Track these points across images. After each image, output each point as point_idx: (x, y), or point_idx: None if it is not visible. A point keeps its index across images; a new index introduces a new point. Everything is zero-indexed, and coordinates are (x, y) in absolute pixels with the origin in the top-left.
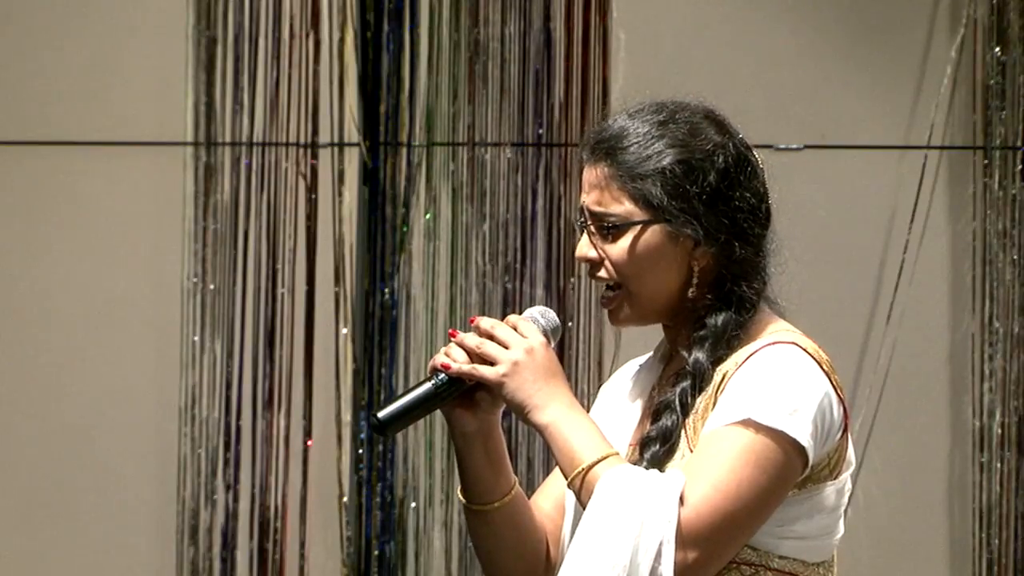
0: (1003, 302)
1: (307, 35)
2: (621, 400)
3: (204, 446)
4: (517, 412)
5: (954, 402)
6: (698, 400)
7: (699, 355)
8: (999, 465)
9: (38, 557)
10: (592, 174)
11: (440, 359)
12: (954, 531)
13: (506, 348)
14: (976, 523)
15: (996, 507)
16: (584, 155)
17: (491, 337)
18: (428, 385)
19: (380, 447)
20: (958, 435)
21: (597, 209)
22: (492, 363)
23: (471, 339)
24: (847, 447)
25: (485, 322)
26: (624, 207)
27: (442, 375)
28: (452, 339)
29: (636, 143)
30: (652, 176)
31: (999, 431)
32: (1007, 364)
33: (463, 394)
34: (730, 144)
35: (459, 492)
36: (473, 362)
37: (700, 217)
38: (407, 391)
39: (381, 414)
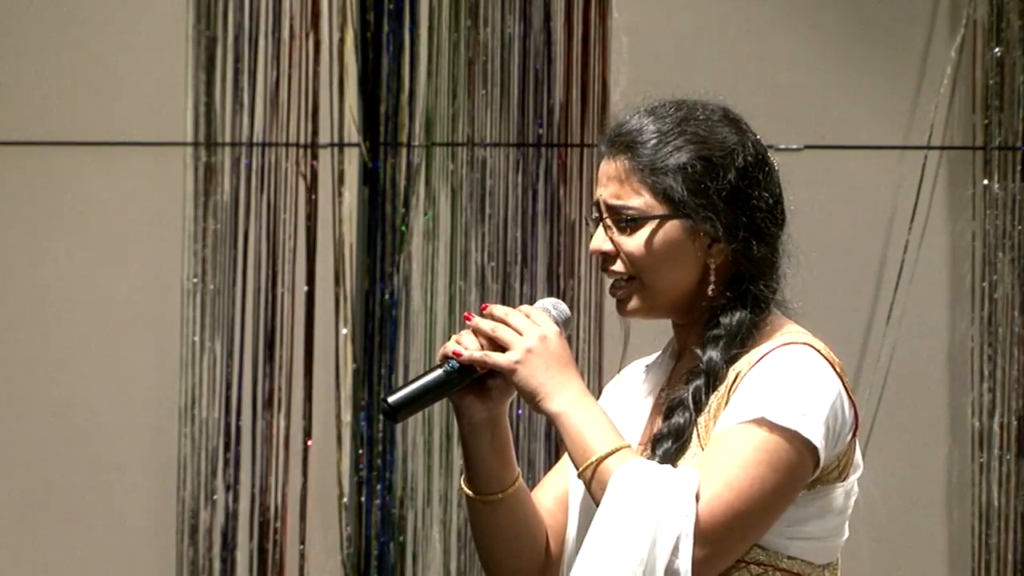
0: (1003, 302)
1: (307, 35)
2: (629, 399)
3: (204, 446)
4: (528, 400)
5: (954, 402)
6: (711, 399)
7: (713, 354)
8: (998, 465)
9: (38, 557)
10: (611, 167)
11: (451, 346)
12: (953, 531)
13: (519, 335)
14: (975, 523)
15: (995, 507)
16: (603, 148)
17: (505, 323)
18: (439, 372)
19: (380, 447)
20: (958, 435)
21: (615, 202)
22: (504, 349)
23: (485, 324)
24: (855, 449)
25: (499, 309)
26: (643, 200)
27: (453, 362)
28: (467, 322)
29: (656, 138)
30: (673, 171)
31: (998, 431)
32: (1007, 364)
33: (473, 382)
34: (749, 143)
35: (463, 481)
36: (485, 348)
37: (719, 214)
38: (418, 377)
39: (392, 399)
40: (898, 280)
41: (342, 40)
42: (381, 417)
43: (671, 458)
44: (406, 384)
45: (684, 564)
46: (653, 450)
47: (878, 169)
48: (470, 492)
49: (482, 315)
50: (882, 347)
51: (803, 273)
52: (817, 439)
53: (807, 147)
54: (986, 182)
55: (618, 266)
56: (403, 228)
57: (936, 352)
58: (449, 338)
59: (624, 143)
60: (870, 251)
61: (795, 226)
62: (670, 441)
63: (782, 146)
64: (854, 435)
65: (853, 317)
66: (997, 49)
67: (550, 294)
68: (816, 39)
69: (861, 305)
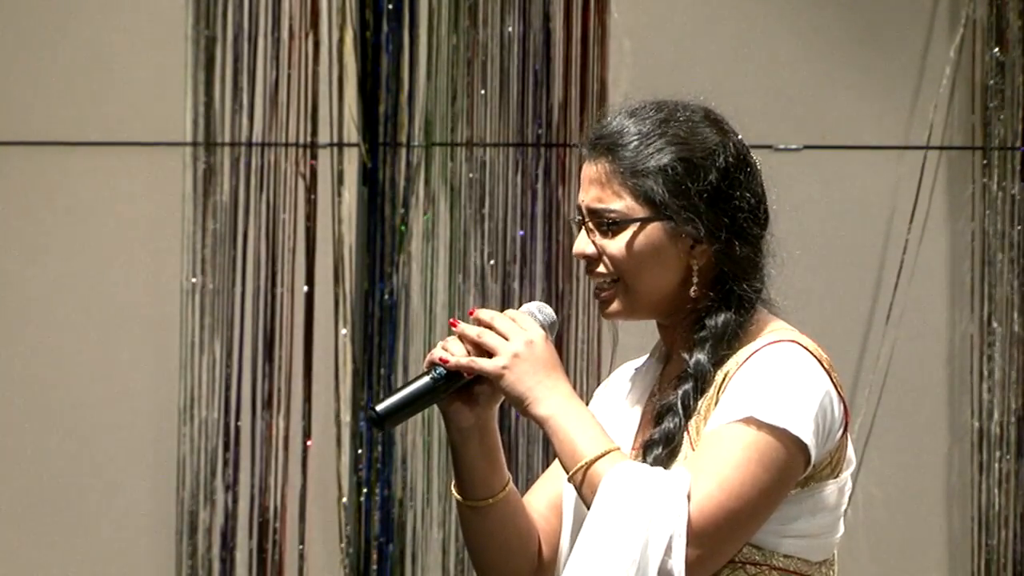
0: (1002, 302)
1: (306, 35)
2: (619, 404)
3: (203, 446)
4: (516, 405)
5: (953, 402)
6: (700, 402)
7: (700, 356)
8: (998, 465)
9: (38, 557)
10: (592, 170)
11: (438, 353)
12: (953, 531)
13: (506, 340)
14: (975, 523)
15: (994, 507)
16: (583, 151)
17: (491, 328)
18: (426, 379)
19: (379, 448)
20: (957, 435)
21: (597, 206)
22: (491, 354)
23: (471, 329)
24: (847, 445)
25: (485, 314)
26: (624, 203)
27: (440, 369)
28: (453, 329)
29: (637, 140)
30: (653, 173)
31: (998, 431)
32: (1006, 364)
33: (461, 388)
34: (730, 144)
35: (453, 487)
36: (472, 353)
37: (701, 215)
38: (405, 385)
39: (379, 407)
40: (898, 280)
41: (341, 40)
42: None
43: (662, 463)
44: (393, 392)
45: (677, 564)
46: (644, 456)
47: (878, 169)
48: (460, 498)
49: (468, 320)
50: (882, 347)
51: (803, 273)
52: (807, 436)
53: (807, 147)
54: (985, 182)
55: (600, 270)
56: (403, 228)
57: (936, 352)
58: (449, 332)
59: (605, 145)
60: (870, 251)
61: (795, 226)
62: (660, 447)
63: (782, 146)
64: (845, 431)
65: (853, 317)
66: (996, 49)
67: (549, 294)
68: (816, 39)
69: (861, 305)
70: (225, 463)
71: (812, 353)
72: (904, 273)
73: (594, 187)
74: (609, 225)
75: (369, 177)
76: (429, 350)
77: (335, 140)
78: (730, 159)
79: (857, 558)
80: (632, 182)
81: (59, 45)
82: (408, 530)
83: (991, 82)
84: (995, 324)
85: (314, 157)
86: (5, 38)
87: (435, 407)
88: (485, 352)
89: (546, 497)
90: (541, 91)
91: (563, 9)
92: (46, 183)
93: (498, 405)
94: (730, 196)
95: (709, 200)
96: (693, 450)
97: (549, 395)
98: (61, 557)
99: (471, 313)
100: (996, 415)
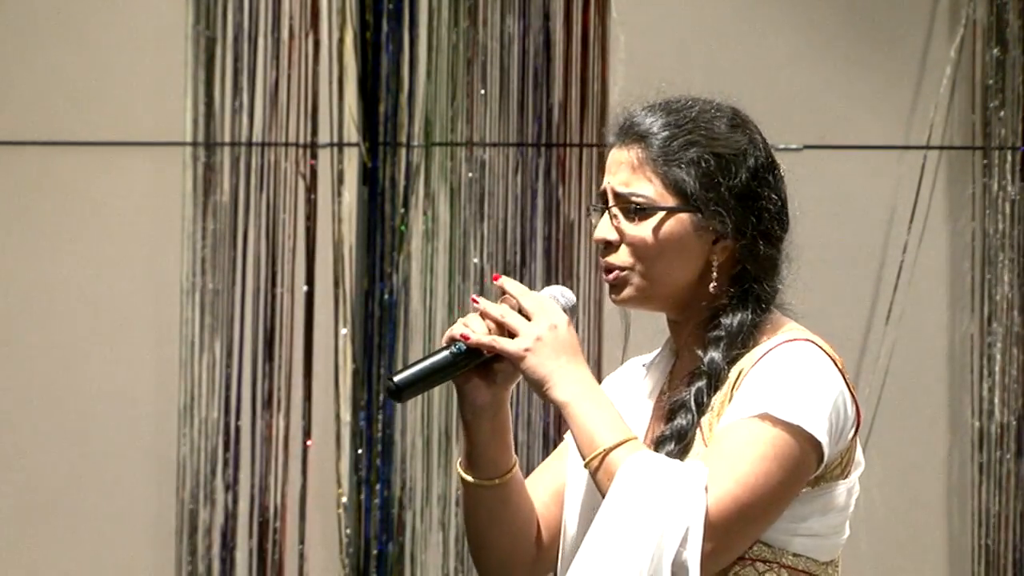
0: (1002, 302)
1: (307, 35)
2: (629, 399)
3: (203, 446)
4: (536, 387)
5: (953, 402)
6: (713, 399)
7: (715, 355)
8: (998, 465)
9: (38, 557)
10: (623, 155)
11: (459, 329)
12: (953, 531)
13: (528, 322)
14: (975, 523)
15: (995, 507)
16: (612, 138)
17: (515, 307)
18: (446, 353)
19: (379, 447)
20: (957, 435)
21: (624, 190)
22: (513, 334)
23: (494, 308)
24: (857, 446)
25: (510, 284)
26: (655, 189)
27: (460, 344)
28: (474, 305)
29: (671, 131)
30: (686, 164)
31: (998, 431)
32: (1006, 364)
33: (479, 365)
34: (759, 145)
35: (460, 466)
36: (494, 332)
37: (730, 211)
38: (424, 358)
39: (397, 378)
40: (898, 280)
41: (341, 40)
42: (380, 416)
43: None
44: (412, 364)
45: (692, 556)
46: (656, 452)
47: (878, 169)
48: (468, 477)
49: (494, 286)
50: (882, 347)
51: (803, 273)
52: (821, 434)
53: (807, 147)
54: (986, 182)
55: (619, 255)
56: (402, 228)
57: (936, 352)
58: (469, 308)
59: (638, 133)
60: (870, 251)
61: (796, 226)
62: (673, 443)
63: (782, 146)
64: (856, 432)
65: (853, 317)
66: (996, 49)
67: None
68: (816, 39)
69: (861, 305)
70: (225, 463)
71: (827, 353)
72: (904, 273)
73: (623, 171)
74: (636, 210)
75: (369, 177)
76: (429, 350)
77: (335, 140)
78: (760, 159)
79: (858, 558)
80: (664, 170)
81: (59, 45)
82: (408, 530)
83: (991, 82)
84: (995, 324)
85: (314, 157)
86: (5, 38)
87: (446, 402)
88: (507, 331)
89: (549, 486)
90: (541, 91)
91: (563, 9)
92: (46, 183)
93: (514, 385)
94: (758, 195)
95: (739, 197)
96: (706, 447)
97: (569, 380)
98: (61, 557)
99: (495, 279)
100: (996, 415)
